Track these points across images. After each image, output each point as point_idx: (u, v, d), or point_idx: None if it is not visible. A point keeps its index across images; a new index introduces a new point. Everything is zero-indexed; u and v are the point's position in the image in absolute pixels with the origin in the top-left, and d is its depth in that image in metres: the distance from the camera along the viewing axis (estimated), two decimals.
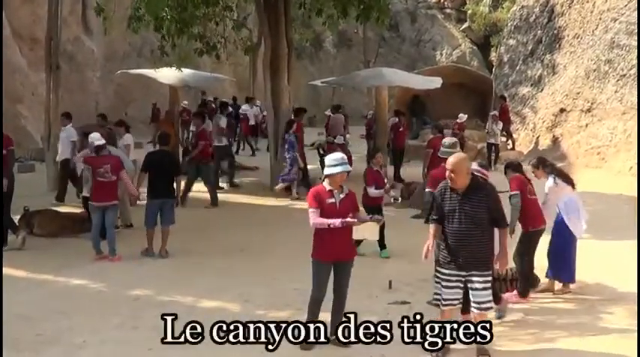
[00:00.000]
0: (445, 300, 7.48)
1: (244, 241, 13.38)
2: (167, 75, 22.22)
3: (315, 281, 7.84)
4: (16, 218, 13.09)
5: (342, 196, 7.71)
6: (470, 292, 7.38)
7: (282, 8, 19.18)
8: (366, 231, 7.81)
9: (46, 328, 8.08)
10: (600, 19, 25.12)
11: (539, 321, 8.85)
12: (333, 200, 7.67)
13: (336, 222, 7.50)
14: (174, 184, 12.41)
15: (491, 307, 7.64)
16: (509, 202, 9.39)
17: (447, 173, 7.49)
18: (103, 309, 9.09)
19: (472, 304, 7.39)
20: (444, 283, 7.47)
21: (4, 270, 10.71)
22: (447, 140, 10.38)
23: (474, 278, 7.31)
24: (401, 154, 21.26)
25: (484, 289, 7.34)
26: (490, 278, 7.43)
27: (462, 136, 22.24)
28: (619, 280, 10.20)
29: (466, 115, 25.37)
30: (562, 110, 25.26)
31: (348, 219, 7.55)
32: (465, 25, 46.62)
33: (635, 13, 21.51)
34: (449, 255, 7.41)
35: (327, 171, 7.75)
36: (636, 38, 20.87)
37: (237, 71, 38.06)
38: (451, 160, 7.51)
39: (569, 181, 10.12)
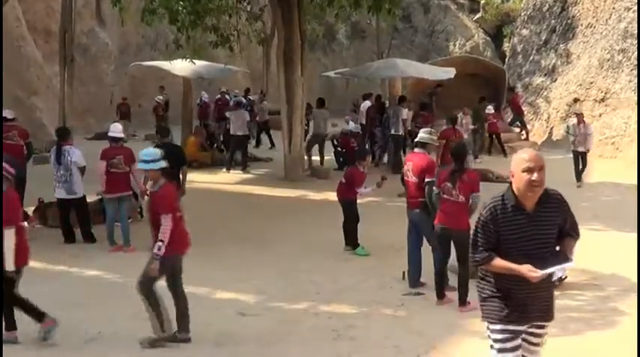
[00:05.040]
0: None
1: (259, 232, 13.39)
2: (181, 67, 22.25)
3: None
4: (30, 210, 13.16)
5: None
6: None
7: (295, 0, 19.14)
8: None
9: (60, 319, 8.12)
10: (614, 8, 25.01)
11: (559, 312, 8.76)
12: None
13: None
14: (180, 175, 12.31)
15: None
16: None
17: (533, 175, 4.68)
18: (117, 300, 9.12)
19: None
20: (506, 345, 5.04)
21: None
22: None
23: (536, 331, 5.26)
24: None
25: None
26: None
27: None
28: (635, 271, 10.14)
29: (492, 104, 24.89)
30: (576, 100, 25.17)
31: None
32: (478, 15, 46.42)
33: None
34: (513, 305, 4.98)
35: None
36: None
37: (250, 63, 38.03)
38: (531, 154, 4.80)
39: None
